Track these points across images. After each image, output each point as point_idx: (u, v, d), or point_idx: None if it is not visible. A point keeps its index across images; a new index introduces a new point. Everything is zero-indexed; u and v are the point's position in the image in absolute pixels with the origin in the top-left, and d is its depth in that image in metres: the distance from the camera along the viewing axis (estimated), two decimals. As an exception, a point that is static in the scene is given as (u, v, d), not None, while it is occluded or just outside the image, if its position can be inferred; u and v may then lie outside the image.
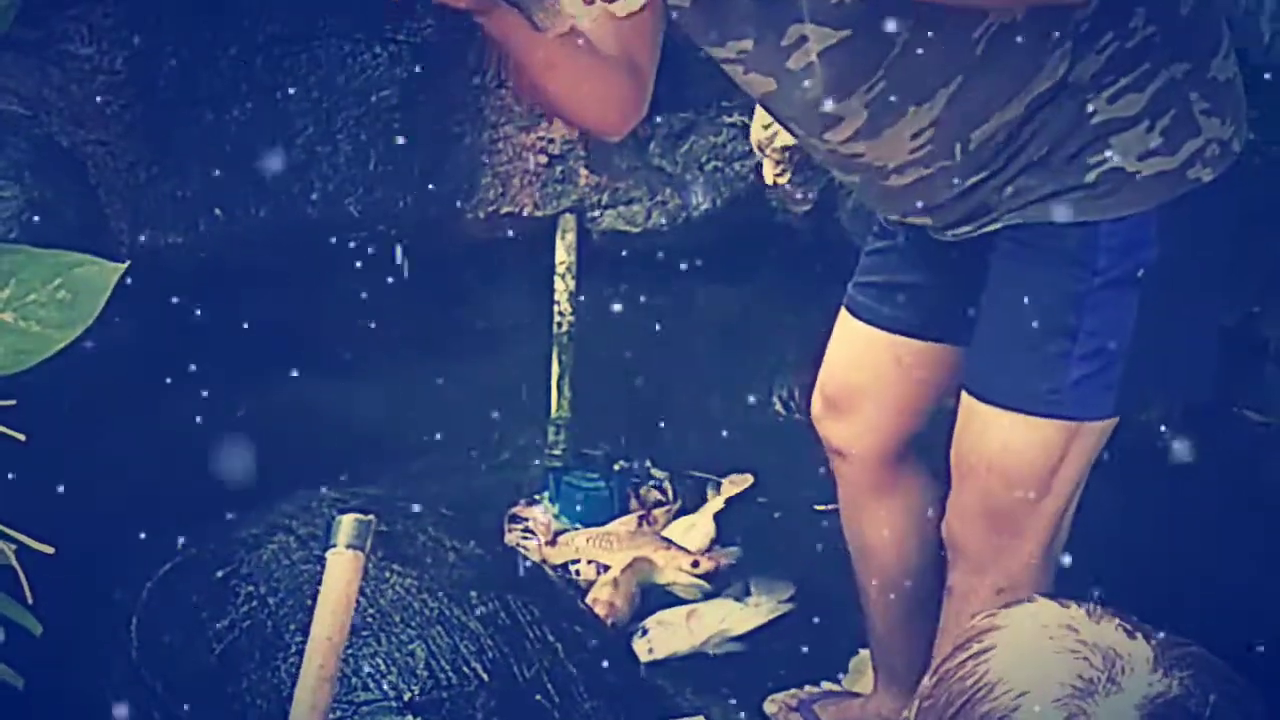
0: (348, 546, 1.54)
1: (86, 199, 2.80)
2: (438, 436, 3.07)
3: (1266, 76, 2.37)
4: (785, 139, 2.89)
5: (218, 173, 2.91)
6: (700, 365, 3.21)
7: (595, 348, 3.08)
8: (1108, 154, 1.76)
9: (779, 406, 3.23)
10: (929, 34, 1.70)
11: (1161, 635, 1.01)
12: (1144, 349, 1.82)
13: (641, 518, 2.93)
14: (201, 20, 2.90)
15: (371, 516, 1.57)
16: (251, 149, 2.92)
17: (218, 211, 2.91)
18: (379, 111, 2.97)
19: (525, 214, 3.09)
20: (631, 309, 3.18)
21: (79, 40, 2.85)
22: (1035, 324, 1.83)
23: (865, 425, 2.15)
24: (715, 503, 2.98)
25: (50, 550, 1.56)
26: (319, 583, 1.56)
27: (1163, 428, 2.61)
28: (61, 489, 2.36)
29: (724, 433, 3.12)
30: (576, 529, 2.90)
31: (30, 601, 1.63)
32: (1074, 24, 1.71)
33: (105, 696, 2.32)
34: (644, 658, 2.63)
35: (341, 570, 1.53)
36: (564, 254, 3.07)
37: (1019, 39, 1.71)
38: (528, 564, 2.63)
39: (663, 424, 3.13)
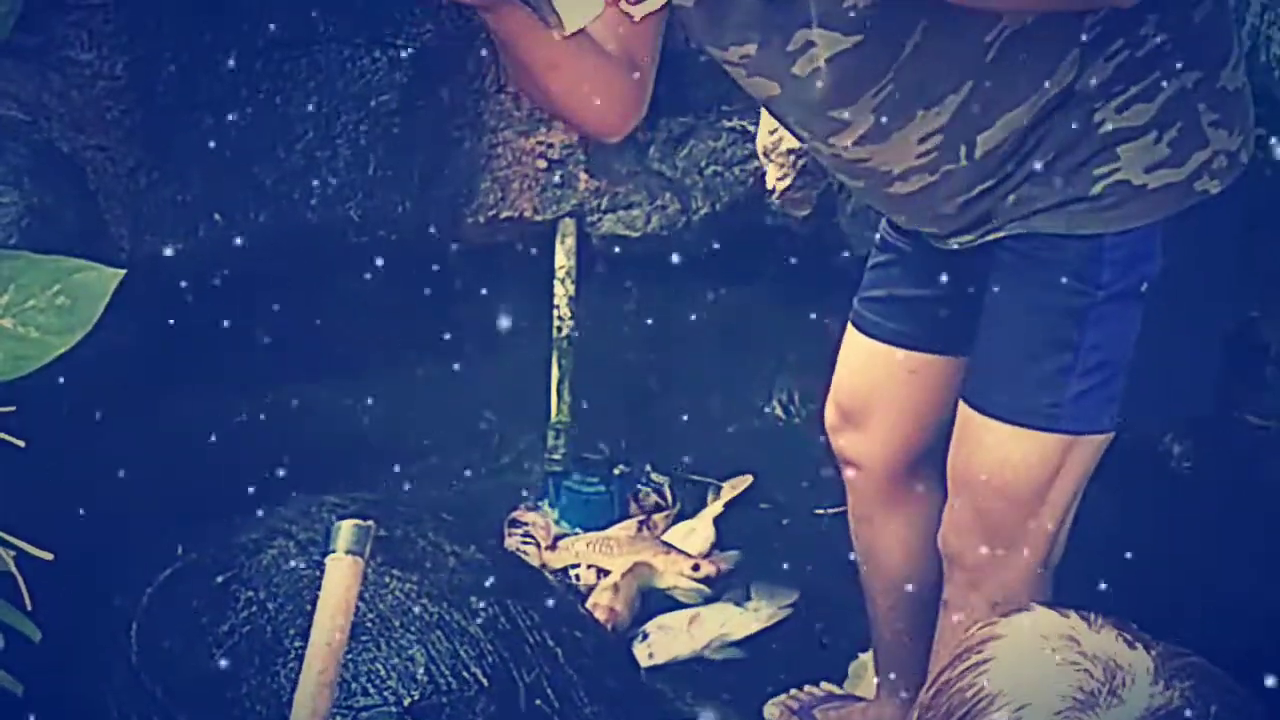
0: (347, 552, 1.54)
1: (86, 204, 2.80)
2: (437, 441, 3.08)
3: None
4: (791, 143, 2.89)
5: (218, 178, 2.91)
6: (700, 369, 3.21)
7: (595, 352, 3.08)
8: (1115, 165, 1.75)
9: (779, 410, 3.23)
10: (941, 39, 1.69)
11: (1162, 646, 1.00)
12: (1145, 362, 1.80)
13: (641, 522, 2.93)
14: (201, 26, 2.90)
15: (370, 522, 1.57)
16: (251, 154, 2.92)
17: (218, 217, 2.91)
18: (378, 116, 2.97)
19: (525, 218, 3.09)
20: (631, 313, 3.18)
21: (79, 46, 2.84)
22: (1036, 337, 1.83)
23: (880, 437, 2.15)
24: (715, 507, 2.98)
25: (49, 557, 1.56)
26: (319, 588, 1.56)
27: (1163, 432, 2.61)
28: (62, 494, 2.36)
29: (724, 437, 3.12)
30: (576, 534, 2.90)
31: (30, 608, 1.63)
32: (1084, 30, 1.70)
33: (105, 702, 2.32)
34: (644, 662, 2.63)
35: (341, 576, 1.53)
36: (563, 258, 3.07)
37: (1030, 44, 1.69)
38: (528, 568, 2.63)
39: (663, 428, 3.13)
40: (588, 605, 2.69)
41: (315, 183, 2.96)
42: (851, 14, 1.68)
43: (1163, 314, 1.79)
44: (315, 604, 1.54)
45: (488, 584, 2.38)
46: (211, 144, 2.90)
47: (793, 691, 2.52)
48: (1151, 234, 1.76)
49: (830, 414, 2.20)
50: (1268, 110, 2.00)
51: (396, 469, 2.98)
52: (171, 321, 2.77)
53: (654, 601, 2.76)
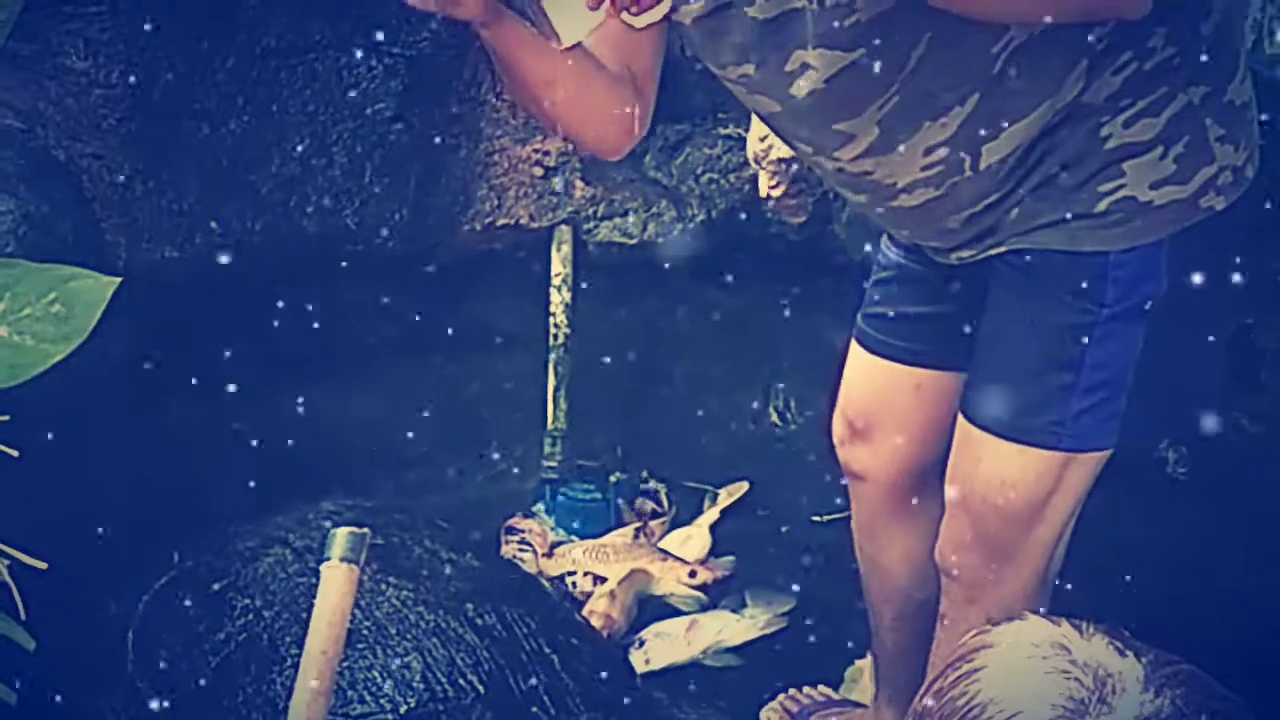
0: (342, 560, 1.54)
1: (82, 212, 2.80)
2: (434, 448, 3.08)
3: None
4: (781, 151, 2.89)
5: (214, 186, 2.91)
6: (696, 376, 3.21)
7: (591, 359, 3.08)
8: (1120, 181, 1.73)
9: (775, 417, 3.23)
10: (947, 51, 1.67)
11: (1153, 654, 1.00)
12: (1148, 379, 1.79)
13: (638, 529, 2.93)
14: (197, 34, 2.90)
15: (365, 530, 1.57)
16: (247, 162, 2.93)
17: (214, 225, 2.91)
18: (374, 124, 2.97)
19: (521, 225, 3.09)
20: (627, 320, 3.18)
21: (75, 54, 2.85)
22: (1038, 355, 1.81)
23: (886, 451, 2.13)
24: (711, 514, 2.98)
25: (43, 566, 1.56)
26: (315, 596, 1.55)
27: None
28: (57, 503, 2.36)
29: (720, 444, 3.12)
30: (573, 541, 2.90)
31: (24, 617, 1.63)
32: (1092, 42, 1.68)
33: (102, 711, 2.32)
34: (641, 669, 2.62)
35: (336, 584, 1.53)
36: (560, 265, 3.07)
37: (1037, 57, 1.68)
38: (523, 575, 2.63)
39: (659, 435, 3.13)
40: (584, 612, 2.69)
41: (311, 191, 2.96)
42: (851, 29, 1.66)
43: (1166, 329, 1.78)
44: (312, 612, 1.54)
45: (484, 591, 2.38)
46: (207, 152, 2.91)
47: (791, 692, 2.51)
48: (1156, 252, 1.75)
49: (837, 427, 2.19)
50: (1270, 99, 1.98)
51: (393, 476, 2.98)
52: (167, 329, 2.77)
53: (651, 608, 2.76)
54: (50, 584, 1.73)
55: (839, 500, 2.47)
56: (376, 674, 2.21)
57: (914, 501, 2.16)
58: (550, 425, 3.04)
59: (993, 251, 1.84)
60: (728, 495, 3.03)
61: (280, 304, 2.86)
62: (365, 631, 2.24)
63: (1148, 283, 1.76)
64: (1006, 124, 1.72)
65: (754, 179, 3.04)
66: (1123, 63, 1.70)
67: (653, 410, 3.16)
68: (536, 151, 3.08)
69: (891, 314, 2.07)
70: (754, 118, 2.92)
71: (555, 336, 3.05)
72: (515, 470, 3.12)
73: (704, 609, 2.76)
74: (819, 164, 1.86)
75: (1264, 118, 1.87)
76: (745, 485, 3.04)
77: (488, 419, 3.13)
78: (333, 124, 2.97)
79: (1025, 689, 0.98)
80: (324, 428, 3.00)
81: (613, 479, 3.01)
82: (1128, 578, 2.34)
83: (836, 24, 1.66)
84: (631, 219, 3.12)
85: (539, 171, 3.09)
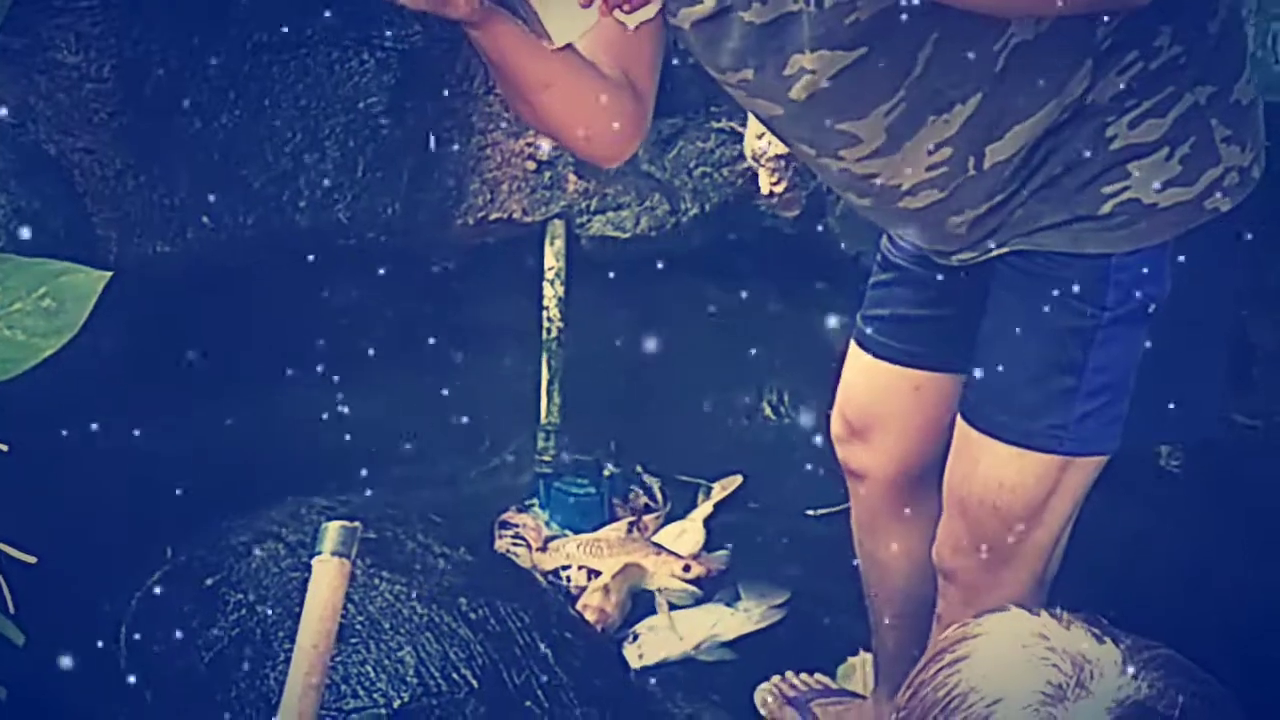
0: (333, 554, 1.53)
1: (74, 207, 2.80)
2: (427, 443, 3.07)
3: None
4: (780, 147, 2.88)
5: (206, 180, 2.91)
6: (690, 370, 3.21)
7: (585, 353, 3.08)
8: (1125, 183, 1.71)
9: (769, 411, 3.23)
10: (952, 50, 1.65)
11: (1131, 639, 1.03)
12: (1150, 383, 1.78)
13: (632, 523, 2.93)
14: (189, 28, 2.90)
15: (357, 524, 1.56)
16: (239, 156, 2.92)
17: (206, 219, 2.91)
18: (367, 118, 2.97)
19: (514, 220, 3.09)
20: (621, 314, 3.18)
21: (66, 48, 2.84)
22: (1039, 358, 1.79)
23: (885, 451, 2.13)
24: (705, 508, 2.98)
25: (32, 560, 1.56)
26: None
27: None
28: (49, 498, 2.35)
29: (714, 438, 3.12)
30: (567, 535, 2.90)
31: (13, 611, 1.63)
32: (1096, 41, 1.66)
33: (94, 706, 2.32)
34: (634, 664, 2.62)
35: (327, 578, 1.53)
36: (553, 259, 3.07)
37: (1039, 54, 1.65)
38: (517, 570, 2.63)
39: (652, 429, 3.13)
40: (578, 607, 2.69)
41: (303, 185, 2.96)
42: (851, 28, 1.64)
43: (1168, 335, 1.76)
44: (304, 606, 1.54)
45: (478, 586, 2.38)
46: (199, 146, 2.90)
47: (788, 675, 2.51)
48: (1160, 254, 1.73)
49: (836, 426, 2.18)
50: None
51: (386, 471, 2.98)
52: (159, 324, 2.77)
53: (645, 603, 2.76)
54: (43, 579, 1.72)
55: (833, 494, 2.46)
56: (370, 668, 2.21)
57: (913, 500, 2.16)
58: (544, 419, 3.04)
59: (995, 253, 1.82)
60: (721, 489, 3.03)
61: (272, 298, 2.86)
62: (359, 626, 2.24)
63: (1151, 285, 1.74)
64: (1010, 124, 1.70)
65: (748, 173, 3.04)
66: (1128, 62, 1.68)
67: (646, 404, 3.16)
68: (529, 145, 3.08)
69: (891, 315, 2.06)
70: (751, 115, 2.92)
71: (548, 331, 3.05)
72: (509, 465, 3.12)
73: (698, 603, 2.76)
74: (824, 167, 1.83)
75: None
76: (739, 479, 3.04)
77: (481, 413, 3.13)
78: (325, 118, 2.96)
79: (1005, 677, 1.01)
80: (316, 422, 3.00)
81: (606, 473, 3.00)
82: (1120, 571, 2.34)
83: (836, 23, 1.63)
84: (625, 213, 3.12)
85: (532, 166, 3.08)
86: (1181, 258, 1.74)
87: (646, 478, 3.05)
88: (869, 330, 2.09)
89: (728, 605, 2.74)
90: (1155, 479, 2.70)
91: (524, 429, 3.07)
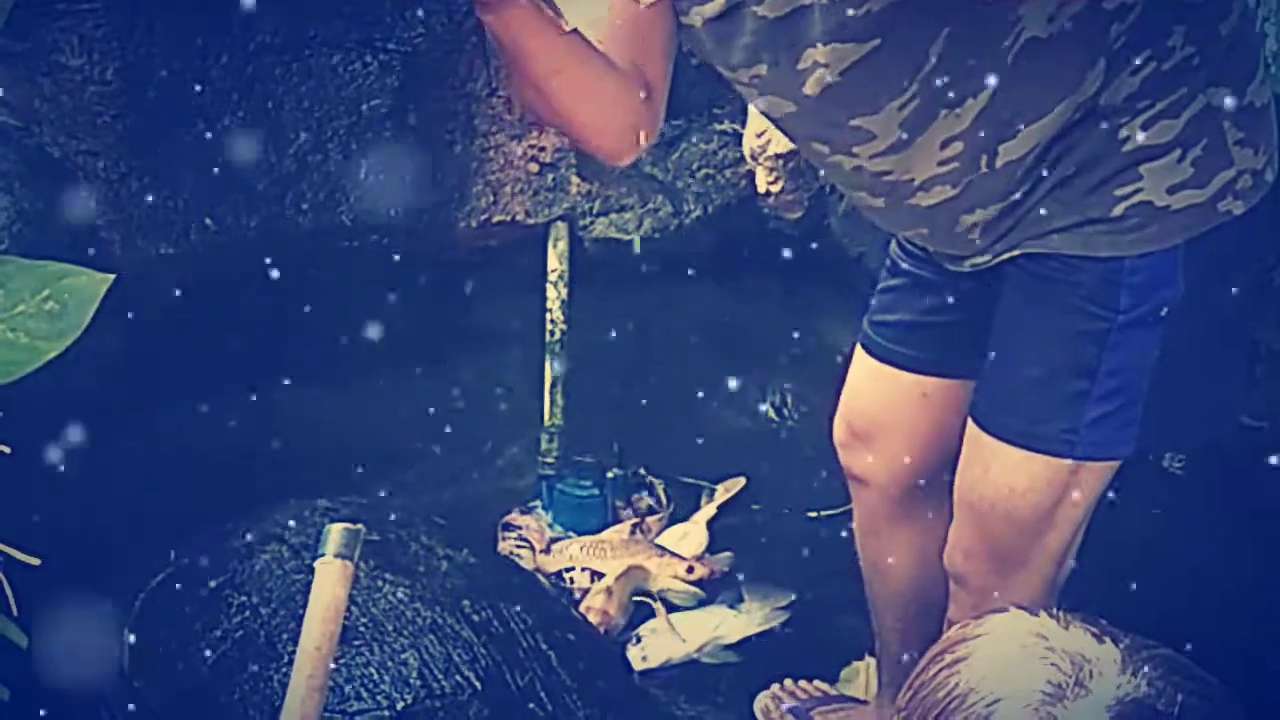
0: (336, 556, 1.53)
1: (78, 210, 2.80)
2: (430, 445, 3.07)
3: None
4: (778, 147, 2.89)
5: (209, 183, 2.91)
6: (692, 372, 3.21)
7: (588, 355, 3.08)
8: (1137, 185, 1.70)
9: (771, 413, 3.23)
10: (964, 43, 1.64)
11: (1130, 638, 1.03)
12: (1164, 388, 1.77)
13: (635, 525, 2.93)
14: (192, 30, 2.90)
15: (360, 525, 1.56)
16: (242, 159, 2.92)
17: (209, 221, 2.91)
18: (370, 121, 2.97)
19: (517, 222, 3.09)
20: (624, 316, 3.18)
21: (69, 51, 2.85)
22: (1051, 362, 1.79)
23: (890, 457, 2.11)
24: (708, 510, 2.98)
25: (35, 562, 1.56)
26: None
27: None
28: (53, 500, 2.36)
29: (717, 439, 3.12)
30: (570, 537, 2.90)
31: (15, 613, 1.63)
32: (1109, 40, 1.65)
33: (98, 708, 2.32)
34: (638, 666, 2.62)
35: (330, 580, 1.53)
36: (556, 261, 3.07)
37: (1052, 52, 1.65)
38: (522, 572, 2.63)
39: (655, 431, 3.13)
40: (581, 609, 2.69)
41: (307, 187, 2.96)
42: (863, 19, 1.63)
43: (1182, 338, 1.75)
44: (307, 609, 1.54)
45: (481, 588, 2.38)
46: (202, 149, 2.90)
47: (787, 683, 2.50)
48: (1172, 257, 1.72)
49: (839, 431, 2.17)
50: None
51: (390, 473, 2.98)
52: (162, 326, 2.77)
53: (648, 605, 2.76)
54: (47, 581, 1.73)
55: (836, 496, 2.46)
56: (373, 670, 2.21)
57: (917, 505, 2.15)
58: (547, 421, 3.04)
59: (1006, 256, 1.81)
60: (724, 491, 3.02)
61: (275, 300, 2.86)
62: (362, 628, 2.24)
63: (1164, 288, 1.73)
64: (1023, 123, 1.69)
65: (750, 174, 3.04)
66: (1141, 62, 1.67)
67: (649, 406, 3.16)
68: (532, 148, 3.08)
69: (900, 321, 2.05)
70: (750, 113, 2.92)
71: (552, 333, 3.05)
72: (512, 466, 3.12)
73: (701, 605, 2.76)
74: (836, 165, 1.82)
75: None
76: (742, 481, 3.04)
77: (484, 415, 3.13)
78: (328, 120, 2.97)
79: (1005, 677, 1.01)
80: (320, 424, 3.01)
81: (610, 475, 3.00)
82: (1122, 573, 2.34)
83: (849, 14, 1.63)
84: (628, 214, 3.12)
85: (535, 168, 3.09)
86: (1198, 260, 1.73)
87: (649, 479, 3.05)
88: (876, 336, 2.08)
89: (731, 607, 2.74)
90: (1158, 480, 2.69)
91: (527, 431, 3.07)
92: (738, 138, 3.03)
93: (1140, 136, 1.69)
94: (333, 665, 1.54)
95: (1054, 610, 1.06)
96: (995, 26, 1.64)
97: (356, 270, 2.99)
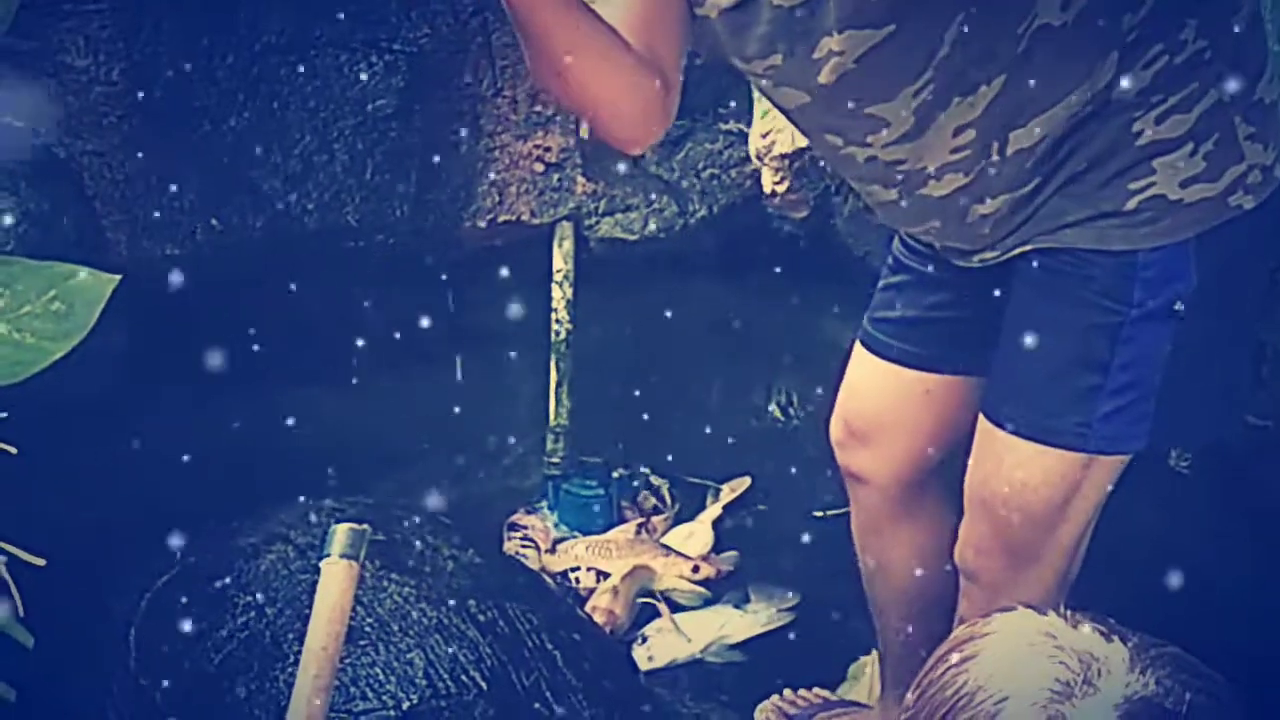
0: (342, 556, 1.53)
1: (83, 210, 2.81)
2: (436, 445, 3.08)
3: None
4: (783, 147, 2.88)
5: (215, 183, 2.91)
6: (698, 372, 3.21)
7: (593, 355, 3.08)
8: (1150, 179, 1.70)
9: (777, 413, 3.23)
10: (978, 30, 1.65)
11: (1138, 637, 1.04)
12: (1172, 384, 1.77)
13: (640, 525, 2.93)
14: (198, 31, 2.91)
15: (366, 526, 1.56)
16: (248, 159, 2.93)
17: (215, 222, 2.92)
18: (375, 121, 2.97)
19: (522, 222, 3.09)
20: (629, 316, 3.18)
21: (75, 52, 2.85)
22: (1064, 355, 1.79)
23: (889, 454, 2.11)
24: (714, 510, 2.98)
25: (41, 562, 1.56)
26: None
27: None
28: (59, 500, 2.36)
29: (722, 439, 3.11)
30: (575, 537, 2.90)
31: (22, 614, 1.63)
32: (1121, 31, 1.65)
33: (104, 707, 2.32)
34: (643, 665, 2.62)
35: (336, 580, 1.53)
36: (561, 261, 3.07)
37: (1064, 41, 1.65)
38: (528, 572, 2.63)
39: (661, 431, 3.13)
40: (587, 608, 2.69)
41: (312, 187, 2.96)
42: (879, 5, 1.63)
43: (1194, 333, 1.75)
44: (312, 608, 1.54)
45: (486, 588, 2.38)
46: (208, 149, 2.91)
47: (786, 694, 2.50)
48: (1184, 251, 1.72)
49: (837, 430, 2.17)
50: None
51: (395, 473, 2.98)
52: (168, 326, 2.77)
53: (653, 605, 2.76)
54: (53, 581, 1.73)
55: (841, 496, 2.46)
56: (379, 670, 2.21)
57: (917, 503, 2.15)
58: (552, 421, 3.04)
59: (1017, 251, 1.81)
60: (730, 491, 3.02)
61: (281, 300, 2.87)
62: (368, 628, 2.24)
63: (1176, 282, 1.73)
64: (1034, 111, 1.70)
65: (755, 174, 3.04)
66: (1154, 55, 1.67)
67: (655, 406, 3.16)
68: (538, 147, 3.08)
69: (902, 318, 2.05)
70: (756, 113, 2.92)
71: (557, 333, 3.05)
72: (517, 466, 3.12)
73: (707, 604, 2.76)
74: (849, 157, 1.81)
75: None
76: (747, 481, 3.04)
77: (489, 415, 3.13)
78: (333, 121, 2.97)
79: (1013, 675, 1.02)
80: (326, 424, 3.01)
81: (615, 475, 3.00)
82: (1128, 572, 2.33)
83: (864, 1, 1.63)
84: (633, 214, 3.12)
85: (540, 168, 3.09)
86: (1209, 255, 1.74)
87: (655, 479, 3.05)
88: (878, 333, 2.08)
89: (736, 607, 2.74)
90: (1164, 479, 2.69)
91: (533, 431, 3.07)
92: (743, 137, 3.03)
93: (1153, 130, 1.70)
94: (338, 665, 1.55)
95: (1062, 609, 1.06)
96: (1010, 12, 1.64)
97: (362, 270, 2.99)
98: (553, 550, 2.87)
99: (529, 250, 3.09)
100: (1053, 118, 1.70)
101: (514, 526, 2.92)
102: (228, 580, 2.38)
